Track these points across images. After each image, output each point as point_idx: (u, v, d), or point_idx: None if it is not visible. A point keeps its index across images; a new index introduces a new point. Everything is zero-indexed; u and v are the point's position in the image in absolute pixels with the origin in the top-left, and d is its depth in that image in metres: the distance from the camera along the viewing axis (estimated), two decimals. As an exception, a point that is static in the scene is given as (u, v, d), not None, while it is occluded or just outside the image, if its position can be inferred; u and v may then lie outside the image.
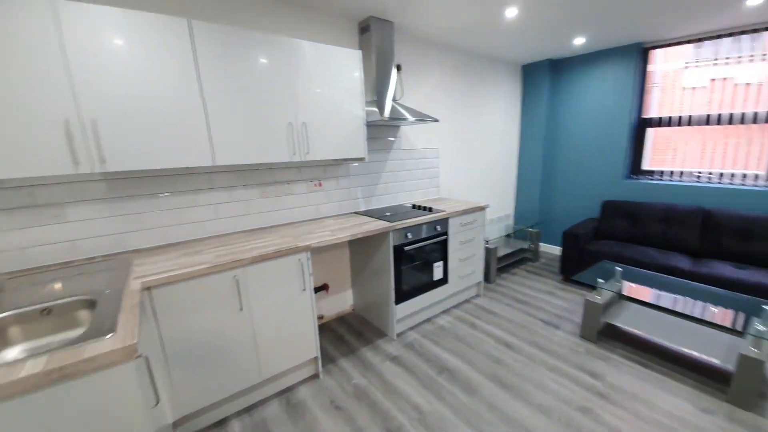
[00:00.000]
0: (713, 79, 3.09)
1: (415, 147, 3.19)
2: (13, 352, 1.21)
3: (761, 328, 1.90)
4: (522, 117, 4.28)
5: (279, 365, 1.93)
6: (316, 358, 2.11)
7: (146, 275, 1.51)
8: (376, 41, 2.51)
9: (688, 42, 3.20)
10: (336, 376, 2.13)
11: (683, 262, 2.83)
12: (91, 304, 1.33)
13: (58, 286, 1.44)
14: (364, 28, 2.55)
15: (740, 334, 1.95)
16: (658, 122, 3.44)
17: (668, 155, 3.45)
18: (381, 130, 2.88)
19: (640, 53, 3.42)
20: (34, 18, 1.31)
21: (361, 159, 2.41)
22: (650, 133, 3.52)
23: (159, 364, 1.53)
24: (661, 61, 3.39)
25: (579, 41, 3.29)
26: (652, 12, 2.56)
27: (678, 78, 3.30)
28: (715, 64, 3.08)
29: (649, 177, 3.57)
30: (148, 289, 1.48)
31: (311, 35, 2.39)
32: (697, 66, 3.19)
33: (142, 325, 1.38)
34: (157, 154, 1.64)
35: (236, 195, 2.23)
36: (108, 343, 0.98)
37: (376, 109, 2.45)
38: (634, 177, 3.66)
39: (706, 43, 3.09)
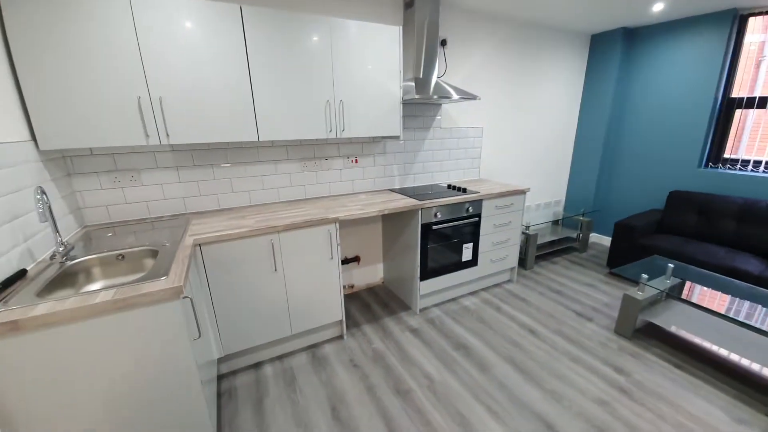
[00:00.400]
0: None
1: (456, 125, 3.13)
2: (95, 287, 1.54)
3: (831, 345, 1.66)
4: (584, 94, 3.92)
5: (307, 323, 2.16)
6: (340, 321, 2.31)
7: (198, 234, 1.77)
8: (420, 16, 2.47)
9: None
10: (358, 339, 2.32)
11: (753, 265, 2.49)
12: (154, 254, 1.62)
13: (131, 238, 1.76)
14: (408, 3, 2.52)
15: (805, 349, 1.72)
16: (752, 103, 2.94)
17: (757, 144, 2.96)
18: (421, 108, 2.88)
19: (734, 20, 2.91)
20: (113, 9, 1.55)
21: (396, 137, 2.46)
22: (739, 115, 3.04)
23: (207, 308, 1.81)
24: None
25: (658, 6, 2.89)
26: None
27: None
28: None
29: (732, 167, 3.12)
30: (199, 245, 1.74)
31: (355, 12, 2.43)
32: None
33: (194, 275, 1.64)
34: (210, 129, 1.87)
35: (280, 168, 2.43)
36: (161, 284, 1.21)
37: (414, 87, 2.46)
38: (713, 166, 3.22)
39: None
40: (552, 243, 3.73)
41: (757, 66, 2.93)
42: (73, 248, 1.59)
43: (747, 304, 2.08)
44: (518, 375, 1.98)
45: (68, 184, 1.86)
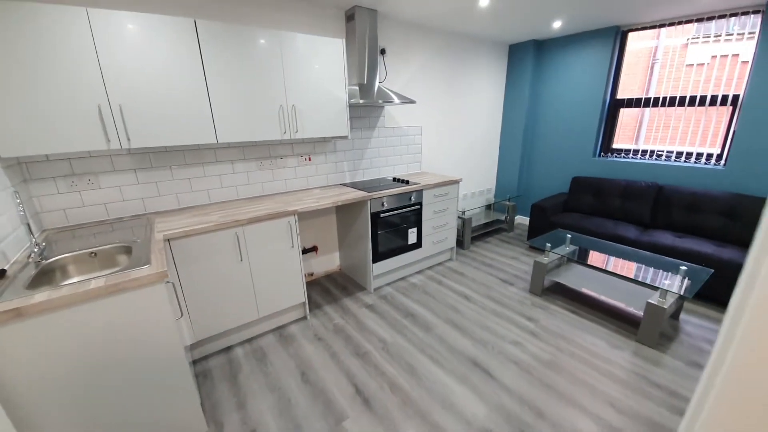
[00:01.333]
0: (714, 56, 3.15)
1: (398, 125, 3.51)
2: (72, 282, 1.65)
3: (666, 281, 2.31)
4: (506, 95, 4.53)
5: (273, 306, 2.40)
6: (303, 303, 2.58)
7: (166, 230, 1.93)
8: (360, 28, 2.79)
9: (663, 26, 3.39)
10: (320, 318, 2.61)
11: (631, 232, 3.21)
12: (127, 250, 1.76)
13: (95, 239, 1.87)
14: (350, 17, 2.81)
15: (654, 287, 2.36)
16: (630, 103, 3.69)
17: (637, 134, 3.73)
18: (366, 110, 3.21)
19: (617, 35, 3.62)
20: (72, 24, 1.65)
21: (344, 137, 2.76)
22: (624, 113, 3.78)
23: (173, 298, 1.99)
24: (664, 37, 3.47)
25: (556, 24, 3.49)
26: None
27: (681, 54, 3.35)
28: (717, 41, 3.10)
29: (617, 155, 3.88)
30: (168, 240, 1.91)
31: (302, 25, 2.68)
32: (703, 41, 3.17)
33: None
34: (170, 133, 2.02)
35: (237, 167, 2.62)
36: (146, 270, 1.41)
37: (359, 91, 2.77)
38: (604, 155, 3.96)
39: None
40: (485, 225, 4.29)
41: (652, 67, 3.64)
42: (45, 248, 1.68)
43: (624, 261, 2.72)
44: (455, 331, 2.42)
45: (25, 189, 1.90)
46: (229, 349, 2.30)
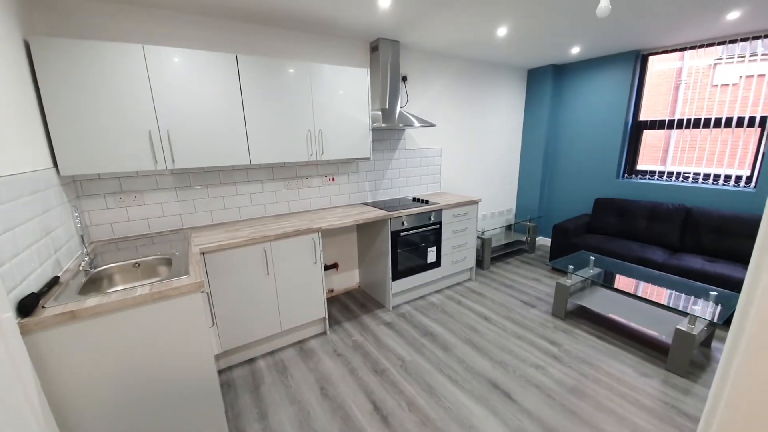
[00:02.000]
0: (741, 76, 3.10)
1: (418, 147, 3.62)
2: (118, 289, 1.80)
3: (696, 307, 2.23)
4: (525, 118, 4.59)
5: (295, 320, 2.47)
6: (324, 318, 2.64)
7: (202, 244, 2.07)
8: (383, 58, 2.96)
9: (682, 50, 3.41)
10: (340, 334, 2.66)
11: (658, 255, 3.12)
12: (167, 261, 1.90)
13: (138, 250, 2.03)
14: (374, 48, 3.00)
15: (683, 313, 2.28)
16: (653, 125, 3.67)
17: (662, 155, 3.68)
18: (388, 133, 3.35)
19: (638, 59, 3.65)
20: (130, 59, 1.88)
21: (367, 158, 2.89)
22: (647, 134, 3.75)
23: (207, 307, 2.10)
24: (688, 58, 3.43)
25: (575, 50, 3.58)
26: (637, 24, 2.79)
27: (706, 74, 3.31)
28: (741, 61, 3.06)
29: (642, 177, 3.82)
30: (203, 253, 2.05)
31: (331, 56, 2.88)
32: (727, 62, 3.14)
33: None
34: (210, 155, 2.20)
35: (267, 187, 2.78)
36: (185, 280, 1.53)
37: (381, 116, 2.91)
38: (628, 176, 3.91)
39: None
40: (506, 246, 4.27)
41: (676, 89, 3.62)
42: (95, 258, 1.85)
43: (651, 286, 2.65)
44: (474, 352, 2.40)
45: (78, 204, 2.10)
46: (252, 360, 2.37)
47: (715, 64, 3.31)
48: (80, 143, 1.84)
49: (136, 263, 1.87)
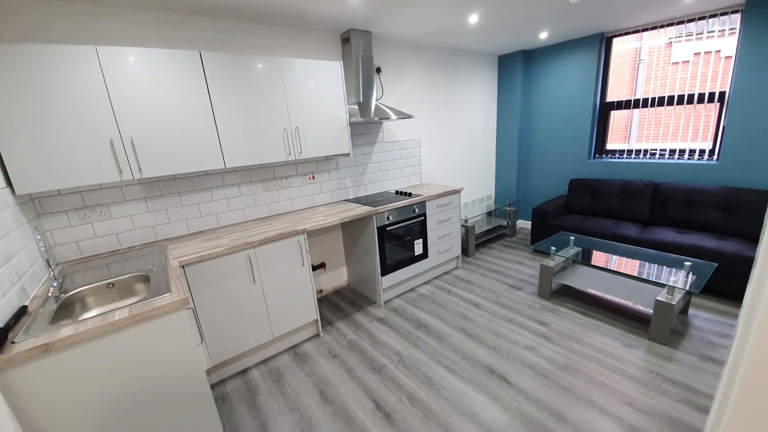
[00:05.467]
0: (697, 53, 3.23)
1: (397, 139, 3.59)
2: (92, 314, 1.68)
3: (674, 278, 2.35)
4: (498, 104, 4.64)
5: (286, 326, 2.41)
6: (316, 321, 2.59)
7: (180, 256, 1.96)
8: (356, 50, 2.88)
9: (645, 30, 3.52)
10: (333, 334, 2.62)
11: (632, 231, 3.26)
12: (144, 278, 1.79)
13: (110, 269, 1.89)
14: (345, 39, 2.91)
15: (661, 284, 2.39)
16: (620, 105, 3.79)
17: (631, 135, 3.82)
18: (365, 127, 3.28)
19: (602, 41, 3.74)
20: (82, 62, 1.72)
21: (347, 155, 2.82)
22: (615, 114, 3.88)
23: (193, 324, 2.00)
24: (647, 38, 3.55)
25: (543, 35, 3.62)
26: (602, 7, 2.84)
27: (665, 53, 3.45)
28: (699, 38, 3.18)
29: (612, 156, 3.96)
30: (182, 266, 1.94)
31: (301, 50, 2.77)
32: (686, 40, 3.26)
33: (182, 292, 1.84)
34: (180, 161, 2.07)
35: (244, 190, 2.66)
36: (168, 298, 1.44)
37: (358, 110, 2.85)
38: (599, 156, 4.05)
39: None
40: (488, 232, 4.34)
41: (636, 69, 3.74)
42: (64, 281, 1.71)
43: (628, 260, 2.77)
44: (468, 339, 2.44)
45: (38, 224, 1.93)
46: (245, 371, 2.30)
47: (672, 43, 3.44)
48: (35, 157, 1.68)
49: (110, 283, 1.74)
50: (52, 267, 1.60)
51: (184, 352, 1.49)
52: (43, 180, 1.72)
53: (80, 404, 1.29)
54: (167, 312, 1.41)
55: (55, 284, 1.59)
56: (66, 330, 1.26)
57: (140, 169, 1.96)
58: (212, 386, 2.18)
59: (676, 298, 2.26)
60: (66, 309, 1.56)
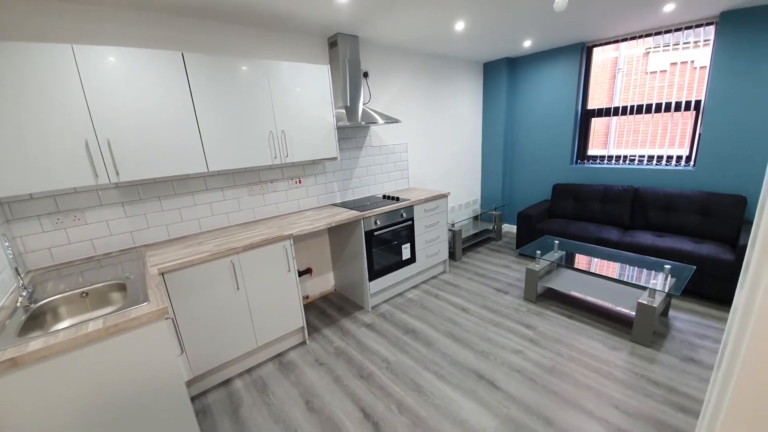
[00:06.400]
0: (673, 63, 3.36)
1: (384, 143, 3.58)
2: (64, 325, 1.59)
3: (654, 281, 2.40)
4: (484, 111, 4.70)
5: (271, 334, 2.35)
6: (302, 328, 2.53)
7: (159, 263, 1.89)
8: (343, 54, 2.86)
9: (624, 40, 3.64)
10: (320, 342, 2.57)
11: (613, 234, 3.34)
12: (120, 287, 1.71)
13: (85, 276, 1.80)
14: (332, 43, 2.89)
15: (642, 287, 2.45)
16: (600, 112, 3.90)
17: (610, 141, 3.93)
18: (352, 131, 3.27)
19: (583, 51, 3.85)
20: (58, 61, 1.64)
21: (334, 158, 2.79)
22: (596, 122, 3.99)
23: (172, 335, 1.92)
24: (625, 48, 3.66)
25: (527, 43, 3.70)
26: (583, 18, 2.93)
27: (643, 62, 3.56)
28: (676, 49, 3.30)
29: (593, 162, 4.06)
30: (162, 274, 1.86)
31: (288, 53, 2.73)
32: (663, 50, 3.38)
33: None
34: (160, 164, 2.00)
35: (228, 194, 2.59)
36: (146, 308, 1.37)
37: (345, 114, 2.83)
38: (580, 162, 4.14)
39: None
40: (475, 236, 4.37)
41: (614, 77, 3.86)
42: (34, 291, 1.61)
43: (610, 263, 2.83)
44: (456, 345, 2.43)
45: (8, 230, 1.83)
46: (227, 382, 2.22)
47: (648, 53, 3.57)
48: (3, 160, 1.59)
49: (83, 292, 1.66)
50: (21, 275, 1.50)
51: (162, 364, 1.42)
52: (12, 183, 1.62)
53: (52, 421, 1.21)
54: (144, 323, 1.35)
55: (24, 294, 1.50)
56: (35, 343, 1.18)
57: (117, 173, 1.88)
58: (193, 398, 2.10)
59: (657, 301, 2.31)
60: (36, 320, 1.47)
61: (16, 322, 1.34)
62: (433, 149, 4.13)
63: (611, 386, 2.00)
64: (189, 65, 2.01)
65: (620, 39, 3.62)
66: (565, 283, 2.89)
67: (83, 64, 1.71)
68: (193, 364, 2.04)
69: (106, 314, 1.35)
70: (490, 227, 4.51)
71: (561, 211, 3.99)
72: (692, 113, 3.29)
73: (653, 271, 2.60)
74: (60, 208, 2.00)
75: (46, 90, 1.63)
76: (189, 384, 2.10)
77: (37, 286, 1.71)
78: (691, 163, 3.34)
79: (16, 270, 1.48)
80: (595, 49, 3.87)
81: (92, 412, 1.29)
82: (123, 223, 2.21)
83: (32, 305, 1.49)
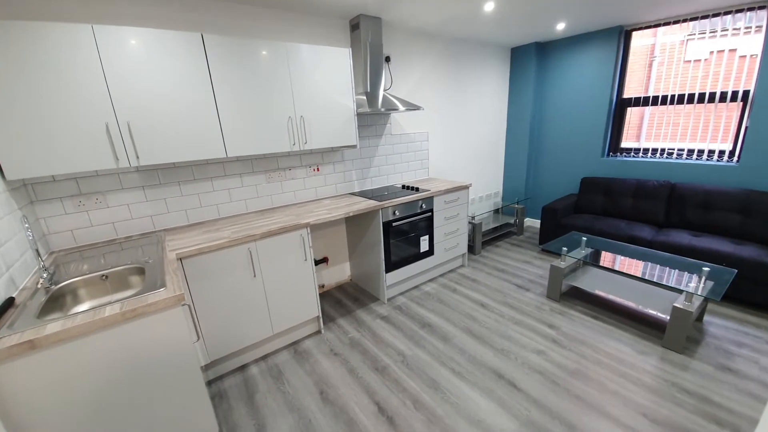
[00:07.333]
0: (712, 52, 3.13)
1: (405, 132, 3.47)
2: (84, 307, 1.60)
3: (692, 285, 2.25)
4: (510, 98, 4.50)
5: (287, 322, 2.34)
6: (318, 317, 2.51)
7: (178, 248, 1.88)
8: (365, 37, 2.76)
9: (665, 24, 3.37)
10: (335, 332, 2.55)
11: (646, 232, 3.15)
12: (139, 271, 1.71)
13: (105, 259, 1.81)
14: (354, 26, 2.79)
15: (678, 290, 2.29)
16: (638, 102, 3.65)
17: (654, 132, 3.68)
18: (372, 118, 3.17)
19: (621, 35, 3.59)
20: (78, 42, 1.62)
21: (353, 146, 2.72)
22: (632, 112, 3.74)
23: (189, 321, 1.93)
24: (661, 35, 3.43)
25: (560, 26, 3.47)
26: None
27: (680, 51, 3.33)
28: (713, 36, 3.08)
29: (627, 155, 3.83)
30: (180, 259, 1.86)
31: (307, 35, 2.65)
32: (699, 38, 3.16)
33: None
34: (179, 149, 1.97)
35: (246, 181, 2.57)
36: (162, 294, 1.35)
37: (366, 100, 2.74)
38: (613, 155, 3.92)
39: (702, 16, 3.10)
40: (495, 229, 4.24)
41: (650, 65, 3.62)
42: (54, 272, 1.63)
43: (643, 263, 2.67)
44: (474, 341, 2.35)
45: (32, 211, 1.85)
46: (244, 367, 2.23)
47: (687, 40, 3.30)
48: (26, 142, 1.59)
49: (103, 275, 1.66)
50: (42, 257, 1.52)
51: (178, 350, 1.41)
52: (35, 165, 1.63)
53: (68, 403, 1.22)
54: (161, 309, 1.33)
55: (45, 275, 1.51)
56: (53, 326, 1.18)
57: (137, 157, 1.86)
58: (210, 382, 2.12)
59: (695, 305, 2.16)
60: (56, 301, 1.49)
61: (37, 304, 1.34)
62: (454, 138, 3.99)
63: (639, 393, 1.89)
64: (208, 47, 1.96)
65: (661, 22, 3.35)
66: (591, 282, 2.75)
67: (103, 45, 1.68)
68: (211, 349, 2.05)
69: (123, 299, 1.34)
70: (512, 221, 4.36)
71: (589, 206, 3.80)
72: (738, 105, 3.03)
73: (691, 274, 2.43)
74: (82, 190, 2.01)
75: (66, 70, 1.61)
76: (206, 368, 2.12)
77: (60, 266, 1.73)
78: (735, 158, 3.09)
79: (37, 251, 1.49)
80: (633, 34, 3.60)
81: (109, 395, 1.29)
82: (144, 206, 2.21)
83: (53, 287, 1.50)
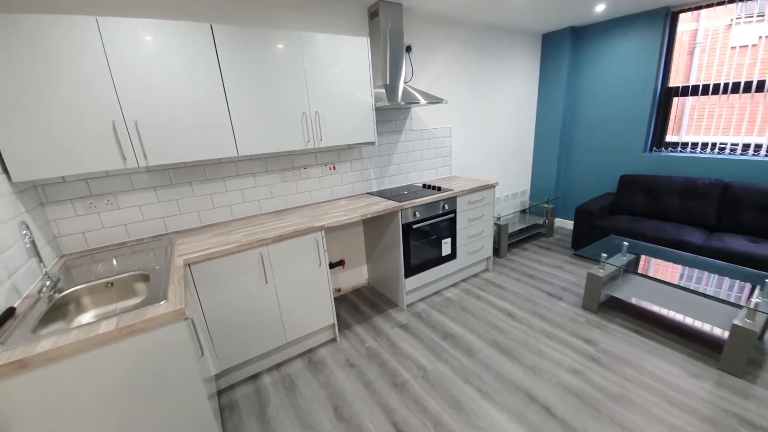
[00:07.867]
0: (761, 36, 2.82)
1: (426, 127, 3.27)
2: (87, 317, 1.53)
3: (756, 300, 1.96)
4: (540, 89, 4.19)
5: (301, 330, 2.22)
6: (333, 325, 2.39)
7: (186, 253, 1.78)
8: (385, 25, 2.57)
9: (709, 6, 3.01)
10: (351, 340, 2.42)
11: (696, 237, 2.83)
12: (145, 278, 1.62)
13: (115, 263, 1.74)
14: (373, 13, 2.61)
15: (738, 305, 2.01)
16: (686, 91, 3.29)
17: (694, 126, 3.33)
18: (391, 113, 2.99)
19: (667, 17, 3.24)
20: (81, 35, 1.53)
21: (371, 143, 2.56)
22: (677, 102, 3.39)
23: (200, 326, 1.83)
24: (704, 18, 3.11)
25: (600, 7, 3.16)
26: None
27: (724, 36, 3.03)
28: (761, 20, 2.77)
29: (673, 150, 3.48)
30: (188, 265, 1.76)
31: (322, 24, 2.49)
32: (746, 22, 2.86)
33: (186, 294, 1.66)
34: (189, 148, 1.88)
35: (260, 180, 2.46)
36: (162, 308, 1.25)
37: (385, 94, 2.56)
38: (657, 150, 3.57)
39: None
40: (521, 231, 3.98)
41: (691, 53, 3.27)
42: (59, 280, 1.57)
43: (693, 271, 2.38)
44: (501, 356, 2.16)
45: (42, 214, 1.80)
46: (256, 376, 2.14)
47: (732, 25, 2.93)
48: (32, 142, 1.52)
49: (108, 282, 1.59)
50: (49, 260, 1.45)
51: (180, 367, 1.30)
52: (42, 166, 1.56)
53: (62, 424, 1.13)
54: (160, 324, 1.22)
55: (48, 283, 1.45)
56: (45, 343, 1.09)
57: (145, 156, 1.78)
58: (221, 392, 2.03)
59: (759, 324, 1.88)
60: (58, 310, 1.41)
61: (37, 314, 1.27)
62: (478, 133, 3.75)
63: (692, 423, 1.65)
64: (218, 38, 1.83)
65: (709, 3, 2.98)
66: (633, 292, 2.49)
67: (108, 38, 1.59)
68: (221, 358, 1.96)
69: (124, 310, 1.24)
70: (540, 222, 4.08)
71: (628, 207, 3.48)
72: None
73: (751, 285, 2.13)
74: (93, 191, 1.95)
75: (70, 66, 1.53)
76: (217, 377, 2.04)
77: (70, 270, 1.67)
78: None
79: (39, 257, 1.41)
80: (681, 16, 3.24)
81: (105, 416, 1.20)
82: (155, 208, 2.14)
83: (56, 295, 1.43)
